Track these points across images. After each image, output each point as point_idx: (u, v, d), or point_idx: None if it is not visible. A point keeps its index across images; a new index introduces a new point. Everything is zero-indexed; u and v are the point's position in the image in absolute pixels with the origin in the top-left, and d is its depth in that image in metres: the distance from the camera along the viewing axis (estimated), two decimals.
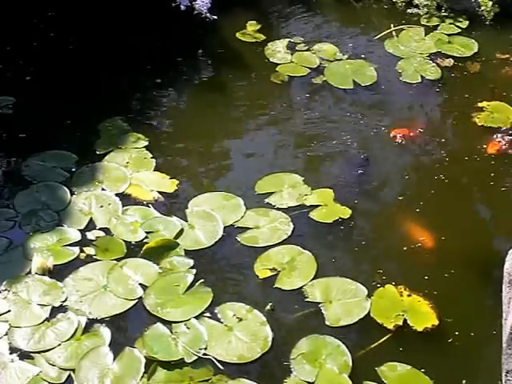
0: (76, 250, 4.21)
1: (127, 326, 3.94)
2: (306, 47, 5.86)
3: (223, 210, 4.50)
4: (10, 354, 3.72)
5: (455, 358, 3.81)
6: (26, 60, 5.55)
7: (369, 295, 4.03)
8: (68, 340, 3.78)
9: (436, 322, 3.91)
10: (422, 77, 5.59)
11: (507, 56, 5.82)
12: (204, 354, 3.75)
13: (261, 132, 5.21)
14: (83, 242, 4.26)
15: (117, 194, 4.57)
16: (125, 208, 4.48)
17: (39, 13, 5.88)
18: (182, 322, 3.88)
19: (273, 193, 4.62)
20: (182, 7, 5.67)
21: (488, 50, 5.86)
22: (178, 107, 5.36)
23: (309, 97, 5.45)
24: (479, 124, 5.16)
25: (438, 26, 6.10)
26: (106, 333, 3.83)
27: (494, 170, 4.82)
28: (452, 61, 5.75)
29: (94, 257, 4.19)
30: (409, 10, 6.24)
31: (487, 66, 5.74)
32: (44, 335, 3.80)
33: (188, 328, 3.86)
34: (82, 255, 4.19)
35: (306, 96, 5.45)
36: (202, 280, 4.07)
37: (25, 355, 3.73)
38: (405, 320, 3.93)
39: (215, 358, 3.73)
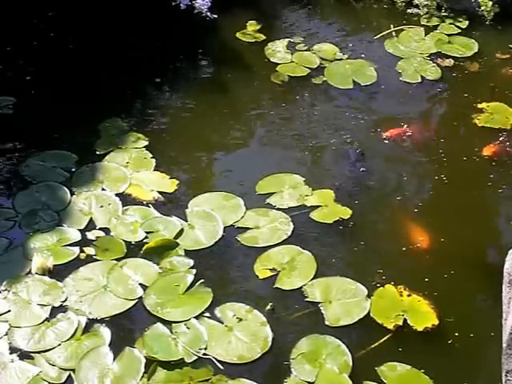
0: (76, 250, 4.21)
1: (127, 326, 3.94)
2: (306, 47, 5.86)
3: (223, 210, 4.50)
4: (10, 354, 3.72)
5: (455, 357, 3.81)
6: (26, 60, 5.55)
7: (369, 295, 4.03)
8: (68, 340, 3.78)
9: (436, 322, 3.91)
10: (422, 77, 5.59)
11: (507, 56, 5.81)
12: (204, 354, 3.75)
13: (261, 132, 5.21)
14: (83, 242, 4.26)
15: (117, 194, 4.56)
16: (125, 208, 4.48)
17: (39, 13, 5.88)
18: (181, 322, 3.88)
19: (273, 193, 4.62)
20: (182, 7, 5.67)
21: (488, 50, 5.86)
22: (178, 107, 5.35)
23: (309, 97, 5.45)
24: (479, 125, 5.16)
25: (438, 26, 6.10)
26: (106, 333, 3.83)
27: (493, 171, 4.82)
28: (452, 61, 5.75)
29: (94, 257, 4.19)
30: (409, 10, 6.23)
31: (487, 66, 5.74)
32: (44, 335, 3.80)
33: (188, 328, 3.86)
34: (82, 255, 4.19)
35: (305, 96, 5.45)
36: (202, 280, 4.07)
37: (25, 355, 3.73)
38: (405, 320, 3.93)
39: (215, 358, 3.73)
